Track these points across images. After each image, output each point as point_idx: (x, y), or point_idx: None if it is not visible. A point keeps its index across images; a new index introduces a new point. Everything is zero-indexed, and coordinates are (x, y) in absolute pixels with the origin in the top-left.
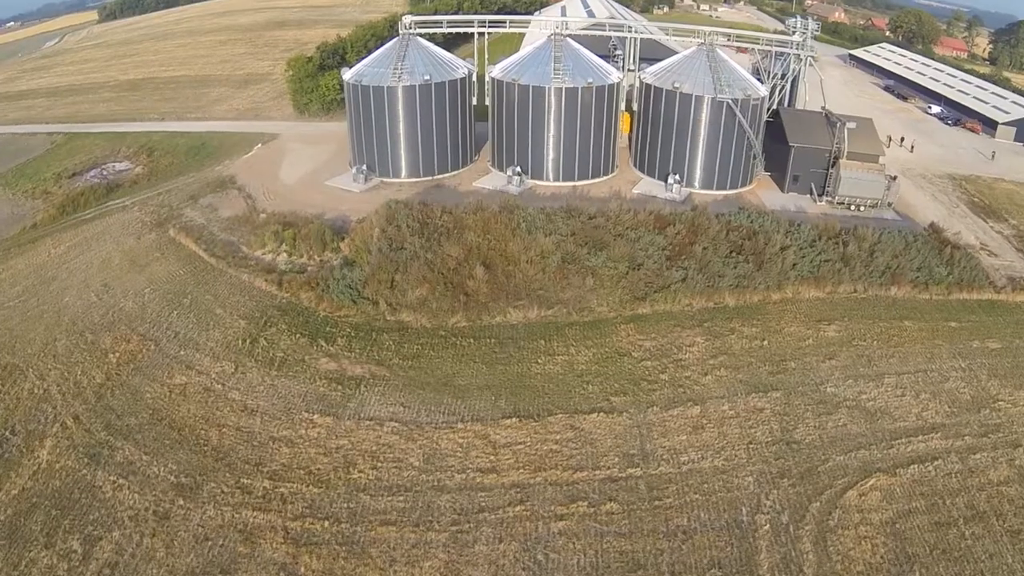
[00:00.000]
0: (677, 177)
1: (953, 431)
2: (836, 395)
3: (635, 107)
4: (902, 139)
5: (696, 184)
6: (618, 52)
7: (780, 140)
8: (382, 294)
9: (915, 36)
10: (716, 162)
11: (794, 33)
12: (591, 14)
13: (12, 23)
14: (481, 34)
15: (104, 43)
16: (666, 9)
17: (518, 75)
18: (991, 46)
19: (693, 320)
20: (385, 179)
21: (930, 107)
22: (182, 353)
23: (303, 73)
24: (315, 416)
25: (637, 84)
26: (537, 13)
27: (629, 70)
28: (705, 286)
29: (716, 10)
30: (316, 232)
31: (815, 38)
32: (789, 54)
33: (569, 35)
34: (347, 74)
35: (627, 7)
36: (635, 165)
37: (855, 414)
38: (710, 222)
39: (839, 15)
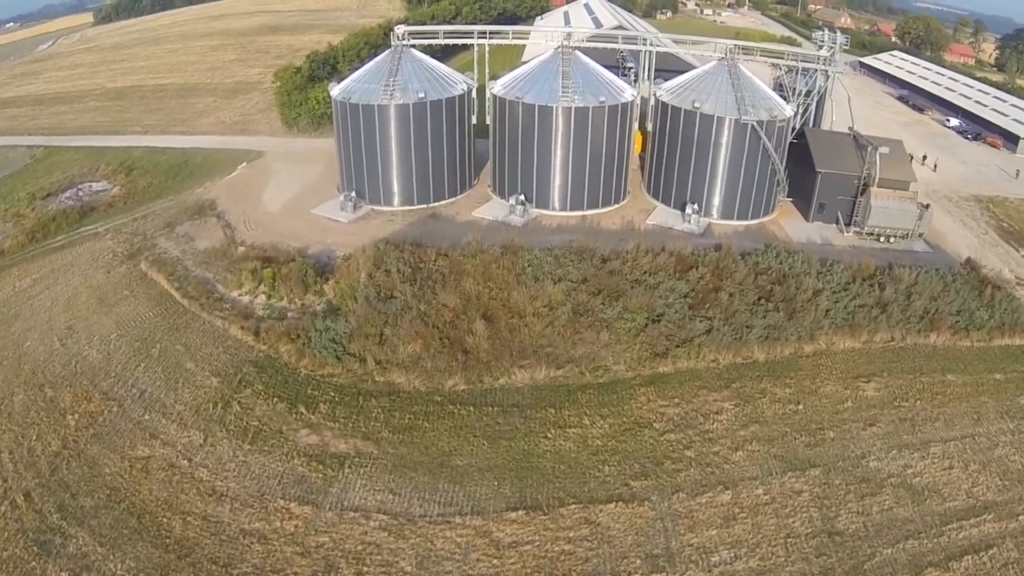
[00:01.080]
0: (695, 207)
1: (1007, 510)
2: (879, 470)
3: (649, 126)
4: (924, 157)
5: (715, 213)
6: (629, 65)
7: (805, 165)
8: (370, 350)
9: (923, 43)
10: (738, 189)
11: (821, 47)
12: (597, 22)
13: (12, 24)
14: (481, 46)
15: (96, 47)
16: (669, 14)
17: (522, 92)
18: (997, 52)
19: (720, 380)
20: (376, 207)
21: (948, 120)
22: (147, 417)
23: (291, 85)
24: (292, 504)
25: (652, 101)
26: (539, 19)
27: (643, 81)
28: (732, 339)
29: (720, 15)
30: (297, 272)
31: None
32: (815, 70)
33: (577, 47)
34: (335, 90)
35: (629, 11)
36: (648, 191)
37: (901, 494)
38: (736, 265)
39: (845, 20)
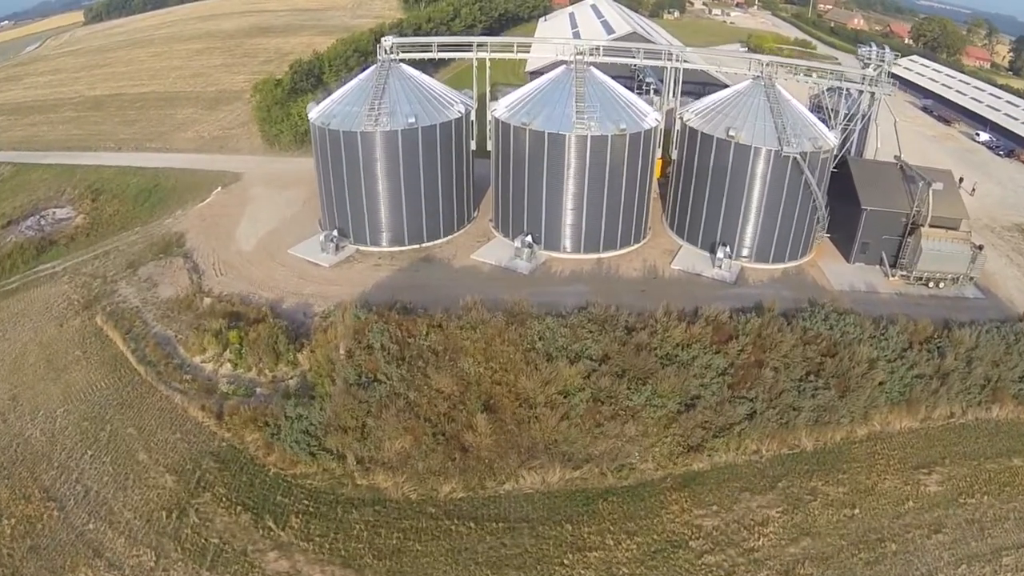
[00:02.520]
0: (728, 250)
1: None
2: None
3: (674, 154)
4: (961, 179)
5: (747, 254)
6: (649, 80)
7: (848, 200)
8: (349, 446)
9: (939, 46)
10: (775, 229)
11: (867, 64)
12: (607, 26)
13: (6, 22)
14: (481, 60)
15: (81, 49)
16: (677, 14)
17: (529, 116)
18: (1011, 54)
19: (764, 478)
20: (362, 247)
21: (978, 134)
22: (91, 527)
23: (271, 99)
24: None
25: (677, 125)
26: (542, 21)
27: (667, 102)
28: (777, 425)
29: (729, 15)
30: (267, 337)
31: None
32: (860, 91)
33: (592, 61)
34: (313, 112)
35: (635, 11)
36: (671, 227)
37: None
38: (782, 333)
39: (857, 22)
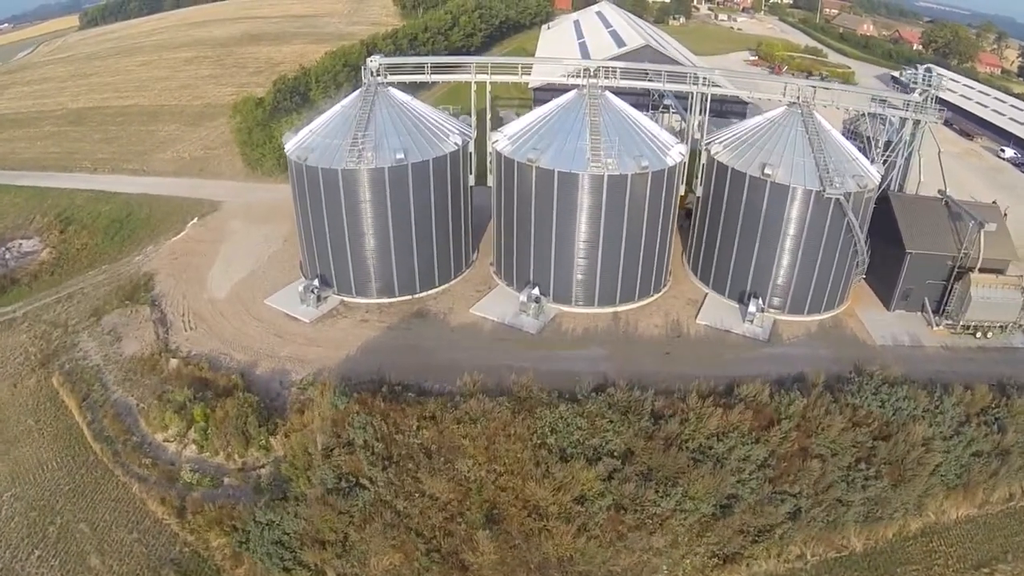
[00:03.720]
0: (760, 303)
1: None
2: None
3: (698, 190)
4: (993, 203)
5: (780, 305)
6: (667, 103)
7: (889, 240)
8: (330, 562)
9: (951, 52)
10: (812, 277)
11: (913, 88)
12: (616, 37)
13: (5, 25)
14: (480, 83)
15: (70, 57)
16: (683, 20)
17: (537, 151)
18: (1021, 59)
19: None
20: (347, 298)
21: (1002, 150)
22: None
23: (252, 120)
24: None
25: (703, 158)
26: (545, 28)
27: (692, 132)
28: (824, 524)
29: (736, 20)
30: (236, 416)
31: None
32: (903, 119)
33: (607, 85)
34: (290, 144)
35: (640, 16)
36: (694, 270)
37: None
38: (830, 416)
39: (867, 28)
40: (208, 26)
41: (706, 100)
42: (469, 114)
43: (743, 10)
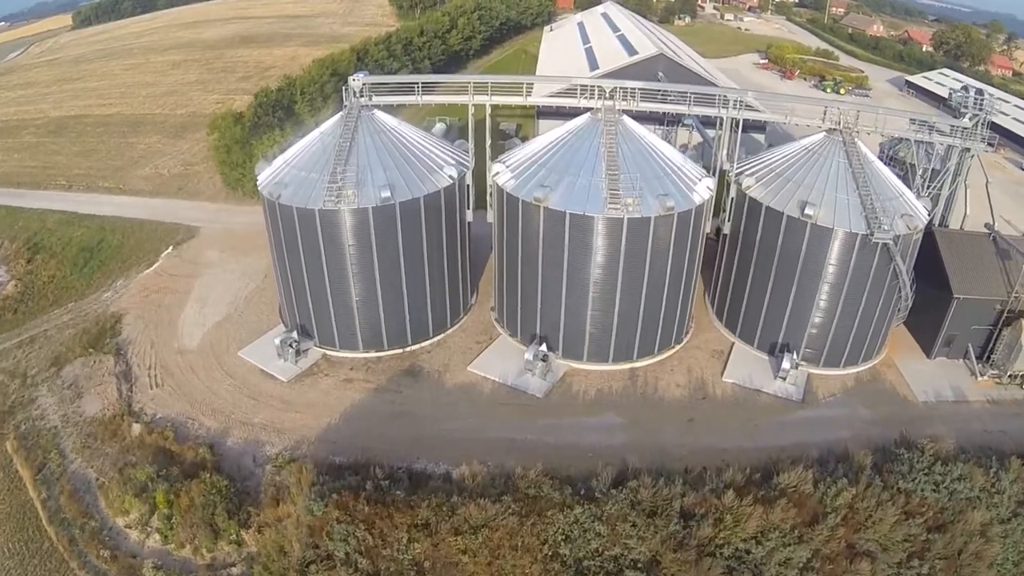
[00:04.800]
0: (794, 358)
1: None
2: None
3: (725, 227)
4: None
5: (814, 357)
6: (686, 120)
7: (931, 281)
8: None
9: (962, 54)
10: (852, 327)
11: (963, 112)
12: (625, 42)
13: (2, 23)
14: (479, 106)
15: (58, 59)
16: (688, 20)
17: (544, 188)
18: None
19: None
20: (330, 351)
21: None
22: None
23: (231, 139)
24: None
25: (732, 191)
26: (547, 30)
27: (721, 161)
28: None
29: (742, 20)
30: (203, 505)
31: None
32: (950, 146)
33: (625, 109)
34: (262, 176)
35: (644, 16)
36: (718, 315)
37: None
38: (881, 508)
39: (877, 29)
40: (199, 27)
41: (737, 126)
42: (465, 127)
43: (749, 9)
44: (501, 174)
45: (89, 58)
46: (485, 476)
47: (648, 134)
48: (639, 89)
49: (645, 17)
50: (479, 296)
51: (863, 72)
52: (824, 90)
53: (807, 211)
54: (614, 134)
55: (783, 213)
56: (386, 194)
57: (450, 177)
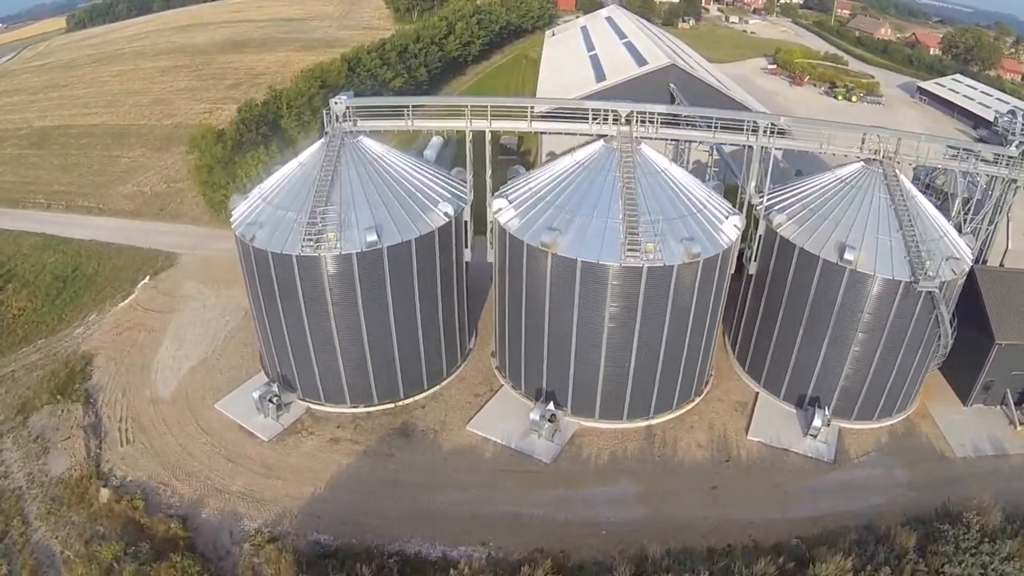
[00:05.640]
0: (826, 414)
1: None
2: None
3: (751, 267)
4: None
5: (843, 409)
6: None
7: (971, 323)
8: None
9: (972, 58)
10: (888, 378)
11: (1011, 139)
12: (633, 50)
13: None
14: (478, 131)
15: (48, 64)
16: (692, 22)
17: (552, 229)
18: None
19: None
20: (314, 405)
21: None
22: None
23: (212, 158)
24: None
25: (760, 228)
26: (549, 34)
27: (748, 193)
28: None
29: (747, 22)
30: None
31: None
32: (994, 176)
33: (643, 135)
34: (235, 213)
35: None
36: (740, 362)
37: None
38: None
39: (885, 32)
40: (192, 31)
41: (768, 155)
42: (463, 151)
43: (754, 11)
44: (503, 212)
45: (79, 63)
46: (485, 565)
47: (668, 164)
48: (660, 113)
49: (649, 20)
50: (478, 338)
51: (874, 78)
52: (835, 97)
53: (847, 255)
54: (631, 167)
55: (819, 257)
56: (372, 238)
57: (445, 215)
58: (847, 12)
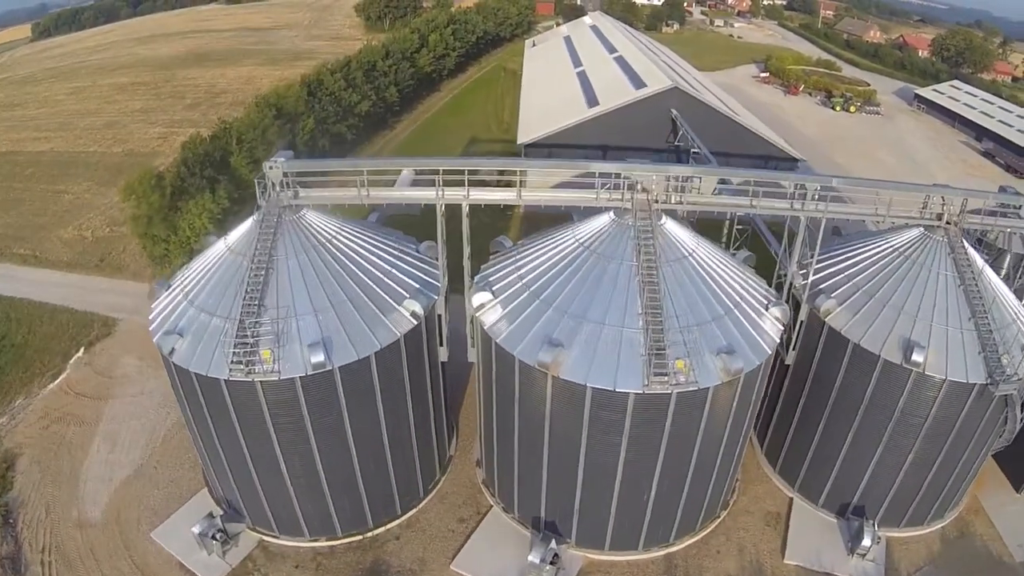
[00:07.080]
0: (875, 530)
1: None
2: None
3: (789, 359)
4: None
5: (892, 517)
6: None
7: None
8: None
9: (964, 61)
10: (945, 483)
11: None
12: (628, 70)
13: None
14: (451, 207)
15: (7, 79)
16: (676, 26)
17: (553, 345)
18: None
19: None
20: (267, 536)
21: None
22: None
23: (150, 207)
24: None
25: (803, 313)
26: (529, 45)
27: (793, 279)
28: None
29: (733, 26)
30: None
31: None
32: None
33: (666, 206)
34: (156, 309)
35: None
36: (770, 459)
37: None
38: None
39: (874, 34)
40: (154, 42)
41: (818, 227)
42: (436, 246)
43: (739, 14)
44: (488, 311)
45: (36, 79)
46: None
47: (696, 244)
48: (686, 175)
49: (631, 25)
50: (459, 440)
51: (869, 85)
52: (833, 107)
53: (915, 357)
54: (653, 252)
55: (879, 356)
56: (319, 358)
57: (413, 316)
58: (831, 13)
